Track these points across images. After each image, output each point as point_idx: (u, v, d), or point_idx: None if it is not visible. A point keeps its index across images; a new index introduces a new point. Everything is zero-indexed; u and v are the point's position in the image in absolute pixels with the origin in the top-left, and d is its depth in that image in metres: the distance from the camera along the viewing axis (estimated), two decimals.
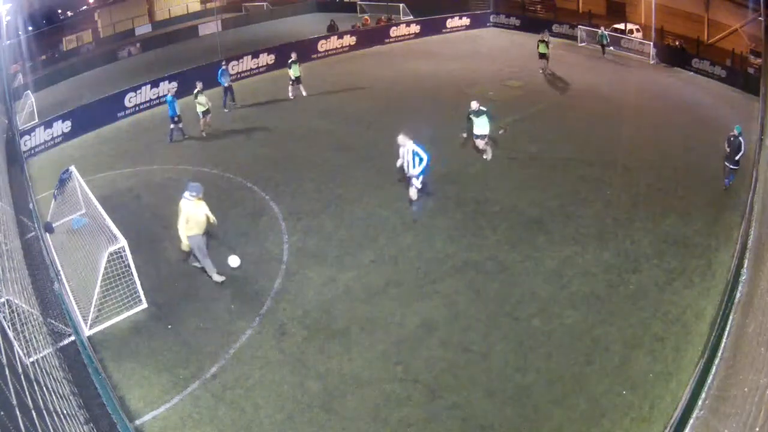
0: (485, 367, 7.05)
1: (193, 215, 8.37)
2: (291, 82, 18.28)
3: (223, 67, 17.94)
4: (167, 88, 18.40)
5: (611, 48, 24.09)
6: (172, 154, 14.35)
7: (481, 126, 12.54)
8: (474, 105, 12.38)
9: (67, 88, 23.42)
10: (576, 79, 19.77)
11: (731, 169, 11.16)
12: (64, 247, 9.94)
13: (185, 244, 8.60)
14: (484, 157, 13.03)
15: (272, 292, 8.67)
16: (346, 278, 8.96)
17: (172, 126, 15.18)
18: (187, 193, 8.42)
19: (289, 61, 18.07)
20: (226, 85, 17.52)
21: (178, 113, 15.02)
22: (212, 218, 8.65)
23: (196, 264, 9.07)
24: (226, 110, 17.46)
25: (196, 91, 15.02)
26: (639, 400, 6.46)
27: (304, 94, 18.41)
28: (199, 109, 15.14)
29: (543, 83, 19.50)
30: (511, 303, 8.22)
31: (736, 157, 10.98)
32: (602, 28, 24.74)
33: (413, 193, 10.63)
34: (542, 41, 20.21)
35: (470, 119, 12.55)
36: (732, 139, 11.05)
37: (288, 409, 6.57)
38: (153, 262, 9.52)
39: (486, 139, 12.77)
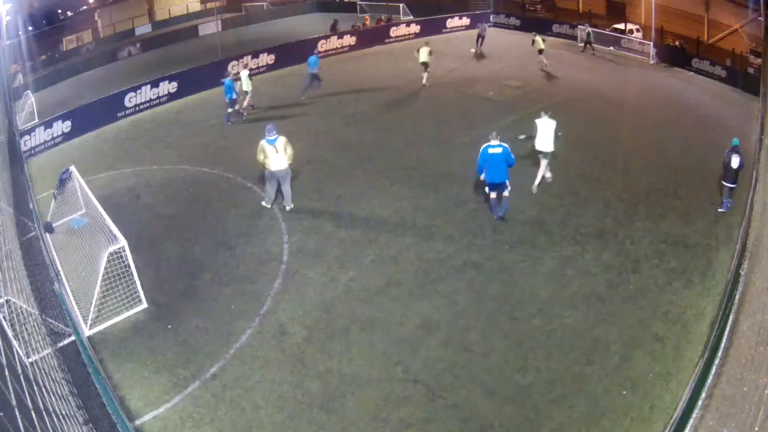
0: (485, 367, 7.06)
1: (282, 148, 10.27)
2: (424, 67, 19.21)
3: (316, 55, 18.92)
4: (167, 88, 18.47)
5: (598, 46, 24.25)
6: (172, 154, 14.35)
7: (545, 140, 10.81)
8: (543, 116, 10.87)
9: (67, 88, 23.38)
10: (576, 79, 19.77)
11: (730, 188, 10.25)
12: (64, 247, 9.93)
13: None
14: (548, 176, 11.40)
15: (272, 292, 8.68)
16: (346, 278, 8.96)
17: (230, 110, 16.05)
18: (267, 135, 10.20)
19: (422, 48, 18.96)
20: (314, 71, 18.12)
21: (235, 97, 15.91)
22: (290, 150, 10.51)
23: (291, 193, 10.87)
24: (303, 98, 18.07)
25: (247, 72, 16.71)
26: (639, 400, 6.46)
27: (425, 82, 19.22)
28: (246, 87, 16.57)
29: (543, 83, 19.49)
30: (511, 303, 8.22)
31: (735, 167, 9.99)
32: (587, 25, 25.11)
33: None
34: (542, 38, 20.96)
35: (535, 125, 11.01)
36: (732, 155, 10.07)
37: (288, 409, 6.57)
38: (153, 262, 9.51)
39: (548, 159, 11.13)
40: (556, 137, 10.88)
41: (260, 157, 10.33)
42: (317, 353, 7.42)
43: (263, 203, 11.11)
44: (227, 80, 15.75)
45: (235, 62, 20.90)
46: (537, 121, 11.00)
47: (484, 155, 9.71)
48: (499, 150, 9.61)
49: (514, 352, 7.29)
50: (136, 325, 8.06)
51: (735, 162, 10.04)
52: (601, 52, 23.93)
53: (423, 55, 18.76)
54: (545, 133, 10.82)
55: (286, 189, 10.68)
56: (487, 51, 24.02)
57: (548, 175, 11.44)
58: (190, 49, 28.35)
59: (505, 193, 10.02)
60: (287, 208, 10.87)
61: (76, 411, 5.38)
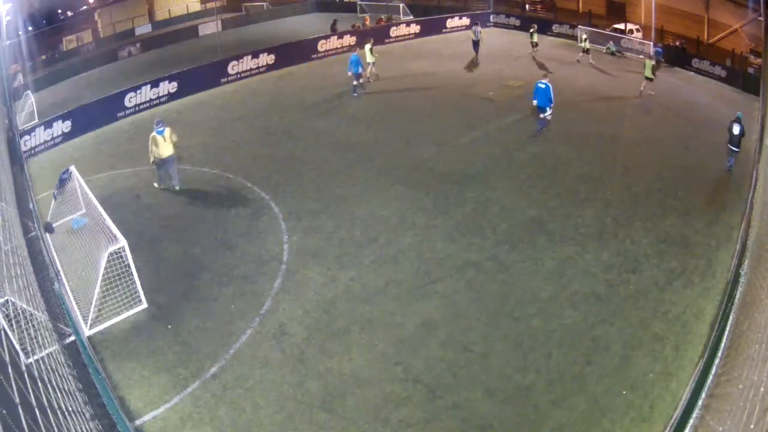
0: (485, 367, 7.06)
1: (168, 137, 11.63)
2: (533, 46, 23.28)
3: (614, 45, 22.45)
4: (167, 88, 18.48)
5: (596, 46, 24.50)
6: None
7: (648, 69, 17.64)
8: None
9: (67, 88, 23.37)
10: (576, 79, 19.77)
11: (733, 151, 11.87)
12: (64, 247, 9.93)
13: (152, 161, 11.88)
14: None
15: (272, 292, 8.68)
16: (346, 278, 8.96)
17: (355, 83, 18.00)
18: (156, 127, 11.51)
19: (531, 30, 23.12)
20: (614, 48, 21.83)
21: (360, 71, 17.96)
22: (175, 137, 11.92)
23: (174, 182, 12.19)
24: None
25: (369, 46, 19.08)
26: (639, 400, 6.47)
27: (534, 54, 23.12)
28: (369, 59, 19.15)
29: None
30: (511, 303, 8.22)
31: (736, 134, 11.77)
32: (579, 27, 25.53)
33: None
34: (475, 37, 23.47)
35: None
36: (733, 124, 11.84)
37: (288, 409, 6.57)
38: (153, 262, 9.52)
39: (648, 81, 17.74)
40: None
41: (152, 146, 11.56)
42: (317, 353, 7.42)
43: (155, 184, 12.38)
44: (354, 55, 17.71)
45: (235, 61, 20.89)
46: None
47: (536, 87, 14.43)
48: (543, 86, 14.24)
49: (514, 352, 7.29)
50: (136, 325, 8.06)
51: (736, 129, 11.78)
52: (599, 51, 23.90)
53: (534, 36, 23.26)
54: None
55: (173, 171, 12.03)
56: (486, 51, 24.01)
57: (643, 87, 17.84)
58: (190, 49, 28.34)
59: (541, 116, 14.48)
60: (176, 188, 12.10)
61: (76, 410, 5.38)
